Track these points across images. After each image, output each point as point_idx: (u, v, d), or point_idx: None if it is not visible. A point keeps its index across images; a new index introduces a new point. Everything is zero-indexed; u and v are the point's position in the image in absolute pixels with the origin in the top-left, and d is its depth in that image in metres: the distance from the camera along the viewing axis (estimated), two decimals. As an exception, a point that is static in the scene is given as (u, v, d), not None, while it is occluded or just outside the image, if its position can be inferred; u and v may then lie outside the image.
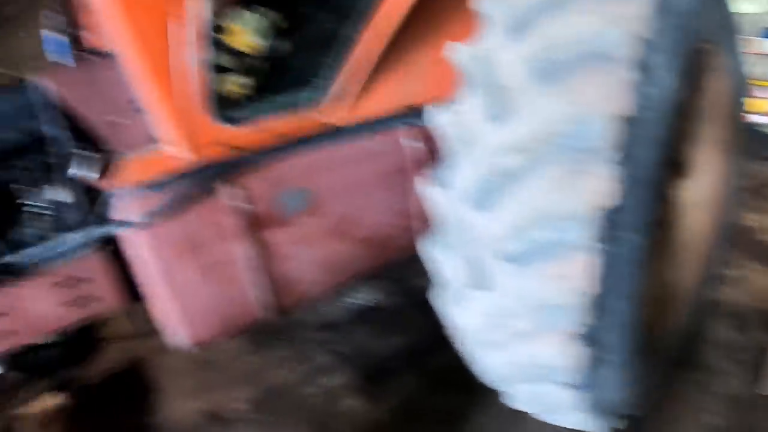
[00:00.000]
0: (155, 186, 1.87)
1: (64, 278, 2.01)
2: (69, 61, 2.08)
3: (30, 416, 3.14)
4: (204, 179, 1.91)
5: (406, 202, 2.40)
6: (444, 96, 1.95)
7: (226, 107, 1.89)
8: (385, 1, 1.99)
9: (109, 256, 2.04)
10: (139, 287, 2.08)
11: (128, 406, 3.16)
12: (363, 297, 3.54)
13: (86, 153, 1.87)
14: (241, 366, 3.19)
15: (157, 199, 1.88)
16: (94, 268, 2.03)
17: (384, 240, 2.40)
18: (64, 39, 2.12)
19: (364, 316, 3.37)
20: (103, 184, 1.91)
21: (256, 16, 1.88)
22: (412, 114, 2.30)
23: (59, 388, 3.29)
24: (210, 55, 1.78)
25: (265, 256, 2.07)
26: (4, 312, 1.95)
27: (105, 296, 2.08)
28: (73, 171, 1.95)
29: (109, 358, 3.57)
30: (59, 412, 3.18)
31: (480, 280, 1.63)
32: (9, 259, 2.01)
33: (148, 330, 3.67)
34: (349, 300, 3.52)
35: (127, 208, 1.90)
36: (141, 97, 1.87)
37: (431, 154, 2.33)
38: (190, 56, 1.74)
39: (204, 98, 1.82)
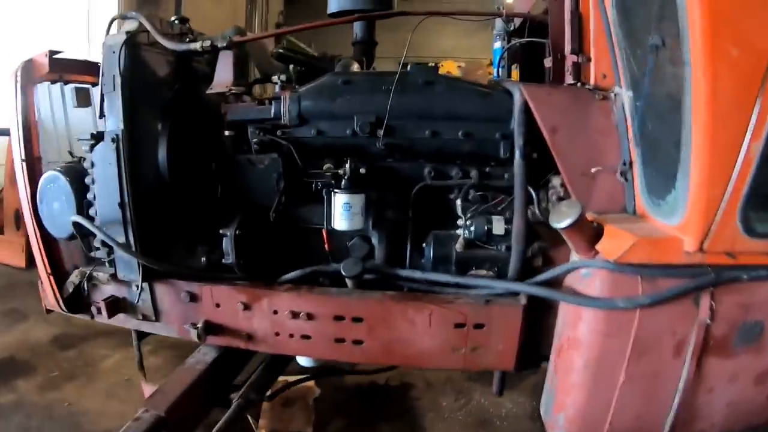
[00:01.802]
0: (634, 268, 1.57)
1: (465, 318, 1.81)
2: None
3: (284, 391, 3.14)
4: (691, 281, 1.56)
5: None
6: None
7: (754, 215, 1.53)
8: None
9: (527, 314, 1.80)
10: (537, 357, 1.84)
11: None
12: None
13: (570, 203, 1.61)
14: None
15: (630, 284, 1.58)
16: (507, 321, 1.80)
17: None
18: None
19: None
20: (573, 241, 1.66)
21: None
22: None
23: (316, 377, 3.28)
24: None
25: (694, 381, 1.67)
26: (365, 318, 1.80)
27: (499, 353, 1.84)
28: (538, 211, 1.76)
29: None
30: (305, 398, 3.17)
31: None
32: (403, 271, 1.88)
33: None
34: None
35: (590, 279, 1.63)
36: (647, 165, 1.60)
37: None
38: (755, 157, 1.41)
39: (742, 202, 1.47)
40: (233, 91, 1.86)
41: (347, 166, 1.80)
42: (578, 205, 1.55)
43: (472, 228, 1.78)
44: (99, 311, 2.21)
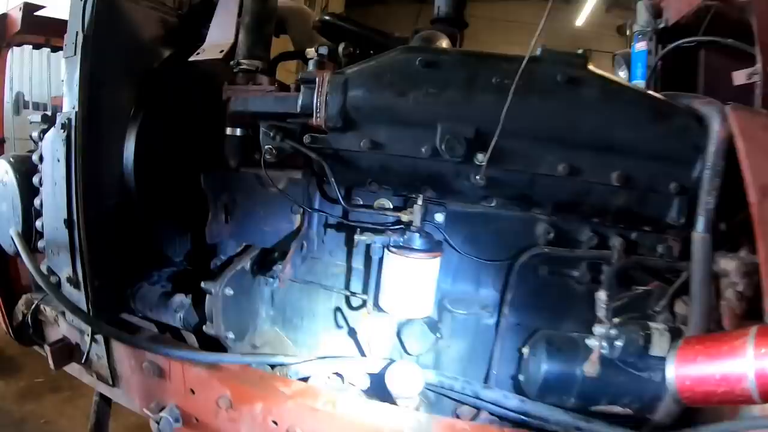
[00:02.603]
0: None
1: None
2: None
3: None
4: None
5: None
6: None
7: None
8: None
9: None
10: None
11: None
12: None
13: None
14: None
15: None
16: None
17: None
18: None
19: None
20: None
21: None
22: None
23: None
24: None
25: None
26: None
27: None
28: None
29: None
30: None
31: None
32: (488, 393, 1.15)
33: None
34: None
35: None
36: None
37: None
38: None
39: None
40: (244, 67, 1.16)
41: (417, 207, 1.07)
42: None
43: (620, 341, 1.01)
44: (49, 354, 1.64)
